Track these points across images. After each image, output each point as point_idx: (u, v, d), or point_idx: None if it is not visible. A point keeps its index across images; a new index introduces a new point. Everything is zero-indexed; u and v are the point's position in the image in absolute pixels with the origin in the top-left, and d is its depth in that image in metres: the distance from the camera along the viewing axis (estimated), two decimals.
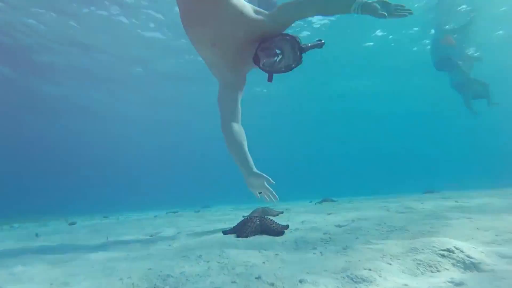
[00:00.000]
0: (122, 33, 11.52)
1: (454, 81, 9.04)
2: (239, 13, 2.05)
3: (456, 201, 4.55)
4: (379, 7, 1.96)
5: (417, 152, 38.43)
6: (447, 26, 9.86)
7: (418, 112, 24.53)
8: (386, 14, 1.96)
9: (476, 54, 9.08)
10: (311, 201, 9.38)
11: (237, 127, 2.17)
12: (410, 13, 1.99)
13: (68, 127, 22.81)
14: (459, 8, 10.11)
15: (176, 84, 16.76)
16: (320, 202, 7.97)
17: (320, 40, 2.12)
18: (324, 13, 2.20)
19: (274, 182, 2.04)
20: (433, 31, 10.31)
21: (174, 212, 7.94)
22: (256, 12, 2.13)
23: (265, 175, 2.02)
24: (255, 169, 2.05)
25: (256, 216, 2.78)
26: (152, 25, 11.42)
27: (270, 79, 2.18)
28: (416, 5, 10.10)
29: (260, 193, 2.15)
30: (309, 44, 2.10)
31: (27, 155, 28.78)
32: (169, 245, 2.40)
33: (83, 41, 11.89)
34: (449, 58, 8.83)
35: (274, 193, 2.12)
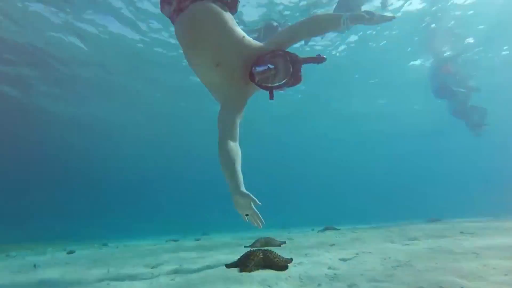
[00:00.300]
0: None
1: (454, 109, 9.19)
2: (241, 38, 2.22)
3: (462, 232, 4.49)
4: (365, 14, 2.15)
5: (421, 177, 38.08)
6: (444, 54, 10.14)
7: (420, 136, 24.54)
8: (374, 17, 2.15)
9: (473, 84, 9.29)
10: (313, 229, 9.22)
11: (233, 145, 2.14)
12: (393, 18, 2.22)
13: (62, 148, 22.67)
14: (455, 33, 10.41)
15: (180, 102, 16.73)
16: (322, 231, 7.85)
17: (319, 55, 2.14)
18: (317, 34, 2.37)
19: (260, 203, 1.95)
20: (431, 60, 10.59)
21: (174, 241, 7.81)
22: (254, 41, 2.30)
23: (251, 195, 1.91)
24: (242, 188, 1.95)
25: (260, 249, 2.75)
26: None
27: (271, 96, 2.23)
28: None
29: (247, 215, 2.00)
30: (301, 58, 2.13)
31: (20, 178, 28.50)
32: (172, 279, 2.36)
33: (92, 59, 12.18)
34: (447, 86, 9.02)
35: (260, 217, 2.00)
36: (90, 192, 34.88)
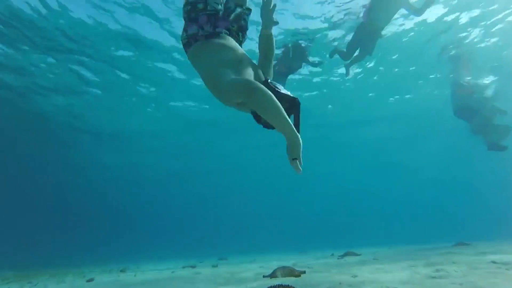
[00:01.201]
0: None
1: (476, 126, 8.89)
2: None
3: (494, 262, 4.25)
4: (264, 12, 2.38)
5: (445, 199, 36.39)
6: (464, 80, 9.84)
7: (442, 158, 23.41)
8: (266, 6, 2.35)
9: (499, 106, 8.98)
10: (332, 254, 8.96)
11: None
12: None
13: (80, 175, 23.09)
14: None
15: (203, 130, 16.59)
16: (342, 256, 7.62)
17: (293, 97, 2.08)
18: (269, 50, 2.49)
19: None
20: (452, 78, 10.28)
21: (192, 267, 7.73)
22: None
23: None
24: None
25: (281, 285, 2.69)
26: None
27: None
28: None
29: (294, 159, 1.81)
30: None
31: (37, 204, 29.06)
32: None
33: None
34: (470, 106, 8.80)
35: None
36: (107, 215, 35.36)
